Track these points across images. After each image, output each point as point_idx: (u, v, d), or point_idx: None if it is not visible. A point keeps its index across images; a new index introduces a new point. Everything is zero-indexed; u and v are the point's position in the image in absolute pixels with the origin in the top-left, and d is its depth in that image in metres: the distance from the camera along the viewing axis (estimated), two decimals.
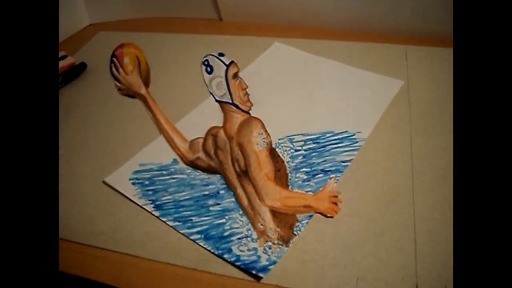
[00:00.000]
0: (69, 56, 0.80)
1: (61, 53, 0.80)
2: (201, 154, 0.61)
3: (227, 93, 0.68)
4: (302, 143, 0.60)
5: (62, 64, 0.78)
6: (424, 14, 0.77)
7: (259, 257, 0.47)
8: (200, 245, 0.49)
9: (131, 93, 0.73)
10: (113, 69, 0.73)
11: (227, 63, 0.69)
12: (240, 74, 0.69)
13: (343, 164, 0.56)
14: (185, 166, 0.60)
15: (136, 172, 0.59)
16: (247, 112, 0.66)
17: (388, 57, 0.74)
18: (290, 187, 0.54)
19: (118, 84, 0.74)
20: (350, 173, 0.55)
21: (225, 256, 0.47)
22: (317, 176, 0.55)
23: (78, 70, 0.79)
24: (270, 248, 0.48)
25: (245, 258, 0.47)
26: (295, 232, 0.49)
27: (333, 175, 0.55)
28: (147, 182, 0.57)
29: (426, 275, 0.44)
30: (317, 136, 0.61)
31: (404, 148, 0.57)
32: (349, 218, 0.50)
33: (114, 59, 0.73)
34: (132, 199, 0.55)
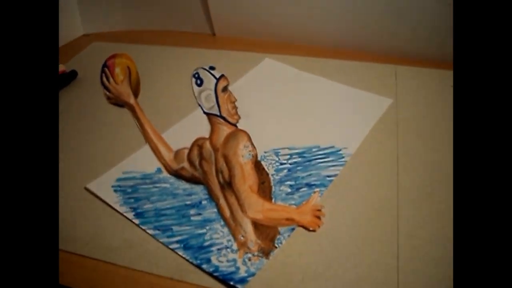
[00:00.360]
0: (60, 64, 0.80)
1: None
2: (185, 164, 0.60)
3: (216, 105, 0.68)
4: (288, 156, 0.60)
5: None
6: (414, 36, 0.78)
7: (238, 268, 0.46)
8: (179, 254, 0.48)
9: (119, 102, 0.73)
10: (104, 78, 0.74)
11: (218, 76, 0.70)
12: (229, 88, 0.70)
13: (328, 178, 0.56)
14: (168, 175, 0.59)
15: (119, 179, 0.58)
16: (234, 125, 0.66)
17: (378, 76, 0.75)
18: (273, 199, 0.54)
19: (108, 93, 0.74)
20: (334, 188, 0.55)
21: (204, 266, 0.46)
22: (301, 189, 0.55)
23: (69, 78, 0.79)
24: (249, 260, 0.47)
25: (224, 269, 0.46)
26: (276, 245, 0.48)
27: (317, 189, 0.54)
28: (129, 190, 0.56)
29: None
30: (303, 150, 0.61)
31: (390, 165, 0.57)
32: (331, 232, 0.49)
33: (106, 68, 0.73)
34: (113, 206, 0.54)
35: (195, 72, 0.71)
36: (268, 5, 0.84)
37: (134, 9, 0.94)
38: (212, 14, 0.90)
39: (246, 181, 0.56)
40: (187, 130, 0.66)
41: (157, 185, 0.57)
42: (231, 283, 0.44)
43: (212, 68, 0.71)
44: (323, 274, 0.45)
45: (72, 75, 0.80)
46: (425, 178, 0.55)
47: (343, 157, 0.59)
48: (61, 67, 0.80)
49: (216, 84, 0.69)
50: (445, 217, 0.49)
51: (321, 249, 0.48)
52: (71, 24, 0.94)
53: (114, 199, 0.55)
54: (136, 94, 0.74)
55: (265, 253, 0.47)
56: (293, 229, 0.50)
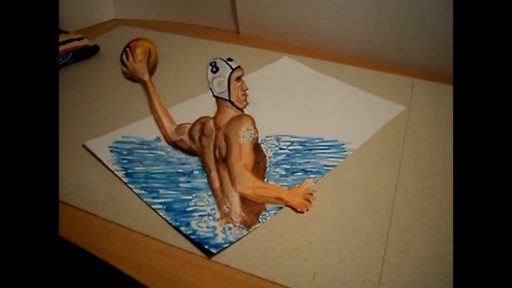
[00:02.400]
0: (85, 39, 0.83)
1: (78, 35, 0.83)
2: (185, 137, 0.60)
3: (226, 91, 0.68)
4: (289, 143, 0.59)
5: (76, 44, 0.81)
6: (434, 52, 0.77)
7: (215, 235, 0.44)
8: (160, 215, 0.47)
9: (134, 78, 0.74)
10: (123, 56, 0.75)
11: (234, 67, 0.70)
12: (244, 78, 0.70)
13: (325, 167, 0.54)
14: (166, 144, 0.58)
15: (117, 142, 0.58)
16: (241, 110, 0.65)
17: (394, 86, 0.74)
18: (266, 179, 0.52)
19: (124, 68, 0.76)
20: (331, 177, 0.53)
21: (182, 228, 0.45)
22: (296, 173, 0.53)
23: (90, 51, 0.82)
24: (229, 229, 0.45)
25: (201, 233, 0.44)
26: (260, 220, 0.47)
27: (313, 176, 0.52)
28: (125, 152, 0.56)
29: (389, 283, 0.40)
30: (305, 140, 0.59)
31: (393, 164, 0.55)
32: (320, 216, 0.47)
33: (127, 48, 0.75)
34: (106, 163, 0.54)
35: (212, 61, 0.72)
36: (292, 9, 0.85)
37: (164, 1, 0.97)
38: (238, 12, 0.91)
39: (242, 159, 0.54)
40: (193, 108, 0.66)
41: (153, 151, 0.57)
42: (206, 246, 0.43)
43: (230, 59, 0.71)
44: (303, 254, 0.43)
45: (93, 50, 0.82)
46: (426, 182, 0.52)
47: (345, 151, 0.57)
48: (85, 41, 0.82)
49: (230, 74, 0.70)
50: (440, 219, 0.47)
51: (305, 231, 0.45)
52: (103, 8, 0.98)
53: (108, 157, 0.55)
54: (151, 73, 0.75)
55: (247, 225, 0.46)
56: (280, 208, 0.48)
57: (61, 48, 0.78)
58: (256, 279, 0.40)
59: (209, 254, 0.42)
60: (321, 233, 0.45)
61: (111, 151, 0.56)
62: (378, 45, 0.81)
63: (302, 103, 0.68)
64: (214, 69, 0.72)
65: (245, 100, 0.68)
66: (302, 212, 0.48)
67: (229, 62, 0.71)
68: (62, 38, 0.81)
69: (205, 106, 0.66)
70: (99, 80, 0.75)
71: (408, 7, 0.75)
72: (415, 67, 0.79)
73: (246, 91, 0.69)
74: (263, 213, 0.47)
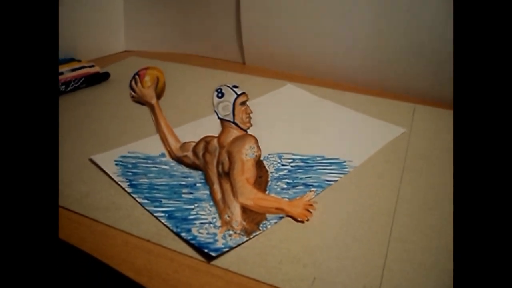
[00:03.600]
0: (96, 66, 0.87)
1: (90, 63, 0.87)
2: (189, 153, 0.61)
3: (231, 114, 0.70)
4: (291, 160, 0.60)
5: (88, 70, 0.85)
6: (436, 79, 0.79)
7: (216, 240, 0.44)
8: (161, 222, 0.47)
9: (141, 101, 0.77)
10: (132, 82, 0.79)
11: (239, 93, 0.73)
12: (248, 103, 0.72)
13: (326, 182, 0.55)
14: (170, 159, 0.60)
15: (123, 156, 0.60)
16: (245, 130, 0.67)
17: (396, 110, 0.75)
18: (267, 192, 0.53)
19: (133, 93, 0.79)
20: (332, 190, 0.54)
21: (182, 234, 0.45)
22: (297, 187, 0.54)
23: (101, 77, 0.85)
24: (230, 236, 0.45)
25: (202, 239, 0.45)
26: (260, 228, 0.47)
27: (314, 189, 0.53)
28: (130, 166, 0.58)
29: None
30: (307, 157, 0.60)
31: (393, 180, 0.56)
32: (320, 225, 0.47)
33: (137, 76, 0.79)
34: (111, 175, 0.55)
35: (218, 87, 0.75)
36: (296, 40, 0.89)
37: (174, 34, 1.02)
38: (244, 44, 0.95)
39: (244, 173, 0.55)
40: (198, 129, 0.67)
41: (157, 165, 0.58)
42: (205, 250, 0.43)
43: (235, 86, 0.74)
44: (303, 260, 0.43)
45: (104, 76, 0.86)
46: (427, 196, 0.53)
47: (346, 168, 0.58)
48: (96, 68, 0.86)
49: (235, 99, 0.72)
50: (442, 229, 0.46)
51: (305, 239, 0.46)
52: (115, 40, 1.03)
53: (113, 170, 0.56)
54: (158, 98, 0.78)
55: (248, 233, 0.46)
56: (281, 217, 0.48)
57: (73, 73, 0.82)
58: (255, 282, 0.40)
59: (209, 258, 0.42)
60: (321, 241, 0.45)
61: (116, 164, 0.58)
62: (379, 73, 0.84)
63: (304, 125, 0.70)
64: (219, 95, 0.74)
65: (249, 122, 0.69)
66: (303, 222, 0.48)
67: (235, 89, 0.73)
68: (74, 65, 0.85)
69: (210, 127, 0.67)
70: (108, 103, 0.78)
71: (408, 36, 0.78)
72: (417, 93, 0.81)
73: (250, 114, 0.71)
74: (264, 222, 0.48)
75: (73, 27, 0.96)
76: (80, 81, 0.81)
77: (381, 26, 0.81)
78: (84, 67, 0.85)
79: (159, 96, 0.78)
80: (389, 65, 0.83)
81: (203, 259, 0.43)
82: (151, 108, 0.74)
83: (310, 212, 0.49)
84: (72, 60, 0.89)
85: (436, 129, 0.69)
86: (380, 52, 0.83)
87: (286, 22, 0.90)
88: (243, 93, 0.73)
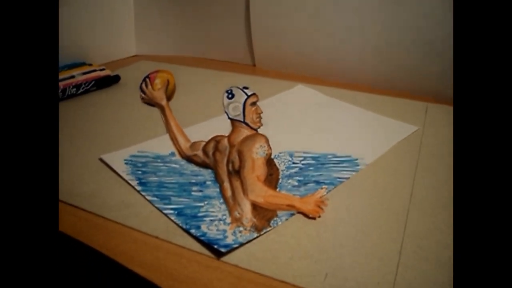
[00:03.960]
0: (107, 69, 0.87)
1: (100, 67, 0.88)
2: (199, 153, 0.60)
3: (241, 114, 0.69)
4: (302, 158, 0.59)
5: (98, 73, 0.85)
6: (447, 77, 0.78)
7: (225, 237, 0.44)
8: (170, 219, 0.47)
9: (151, 103, 0.77)
10: (143, 84, 0.79)
11: (249, 94, 0.72)
12: (259, 103, 0.72)
13: (338, 179, 0.54)
14: (180, 158, 0.59)
15: (133, 156, 0.60)
16: (255, 130, 0.66)
17: (409, 109, 0.74)
18: (278, 189, 0.52)
19: (143, 95, 0.79)
20: (344, 187, 0.53)
21: (192, 231, 0.45)
22: (308, 184, 0.53)
23: (112, 80, 0.86)
24: (240, 232, 0.44)
25: (211, 235, 0.44)
26: (271, 225, 0.46)
27: (325, 186, 0.52)
28: (139, 165, 0.57)
29: (405, 284, 0.38)
30: (318, 155, 0.59)
31: (407, 177, 0.54)
32: (332, 222, 0.46)
33: (147, 78, 0.79)
34: (120, 174, 0.55)
35: (228, 89, 0.74)
36: (306, 42, 0.89)
37: (184, 38, 1.03)
38: (254, 46, 0.95)
39: (255, 171, 0.55)
40: (209, 128, 0.67)
41: (167, 164, 0.58)
42: (215, 246, 0.42)
43: (245, 87, 0.74)
44: (314, 256, 0.42)
45: (115, 79, 0.86)
46: (442, 193, 0.51)
47: (358, 165, 0.57)
48: (107, 72, 0.87)
49: (246, 99, 0.71)
50: None
51: (317, 235, 0.45)
52: (125, 44, 1.04)
53: (123, 169, 0.56)
54: (168, 100, 0.78)
55: (258, 229, 0.45)
56: (292, 214, 0.48)
57: (84, 77, 0.83)
58: (265, 278, 0.39)
59: (218, 254, 0.42)
60: (333, 238, 0.44)
61: (126, 163, 0.58)
62: (391, 73, 0.83)
63: (315, 124, 0.69)
64: (229, 96, 0.74)
65: (260, 121, 0.69)
66: (314, 218, 0.47)
67: (245, 90, 0.73)
68: (85, 69, 0.86)
69: (220, 127, 0.67)
70: (118, 105, 0.78)
71: (419, 34, 0.77)
72: (429, 92, 0.80)
73: (261, 114, 0.70)
74: (275, 218, 0.47)
75: (84, 32, 0.97)
76: (91, 84, 0.82)
77: (391, 25, 0.80)
78: (95, 70, 0.86)
79: (169, 98, 0.78)
80: (401, 64, 0.82)
81: (212, 256, 0.42)
82: (161, 109, 0.74)
83: (322, 208, 0.48)
84: (83, 64, 0.90)
85: (450, 127, 0.67)
86: (391, 51, 0.82)
87: (296, 24, 0.90)
88: (254, 94, 0.72)
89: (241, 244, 0.43)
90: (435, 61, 0.78)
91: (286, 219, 0.47)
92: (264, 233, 0.45)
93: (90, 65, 0.90)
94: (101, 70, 0.86)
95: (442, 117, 0.71)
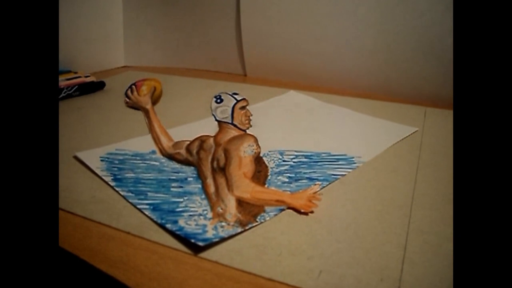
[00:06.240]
0: (92, 76, 0.84)
1: (86, 74, 0.85)
2: (182, 151, 0.56)
3: (230, 117, 0.65)
4: (293, 156, 0.54)
5: (82, 79, 0.82)
6: (446, 81, 0.75)
7: (205, 231, 0.38)
8: (145, 214, 0.41)
9: (136, 107, 0.73)
10: (128, 91, 0.75)
11: (239, 99, 0.68)
12: (249, 107, 0.68)
13: (333, 176, 0.49)
14: (161, 156, 0.55)
15: (110, 153, 0.55)
16: (244, 131, 0.62)
17: (407, 113, 0.70)
18: (266, 185, 0.47)
19: (127, 99, 0.75)
20: (340, 183, 0.48)
21: (167, 225, 0.39)
22: (300, 180, 0.48)
23: (96, 86, 0.82)
24: (222, 227, 0.39)
25: (189, 230, 0.39)
26: (257, 220, 0.41)
27: (319, 183, 0.47)
28: (116, 162, 0.52)
29: (412, 281, 0.33)
30: (311, 154, 0.55)
31: (408, 174, 0.50)
32: (327, 217, 0.41)
33: (133, 85, 0.76)
34: (94, 170, 0.50)
35: (217, 94, 0.71)
36: (298, 48, 0.86)
37: (174, 49, 1.00)
38: (245, 55, 0.92)
39: (242, 168, 0.50)
40: (195, 129, 0.63)
41: (146, 162, 0.53)
42: (192, 240, 0.37)
43: (235, 93, 0.70)
44: (306, 252, 0.36)
45: (99, 85, 0.83)
46: (446, 189, 0.46)
47: (354, 163, 0.52)
48: (92, 78, 0.83)
49: (235, 104, 0.68)
50: None
51: (309, 231, 0.39)
52: (114, 55, 1.01)
53: (97, 165, 0.51)
54: (154, 104, 0.74)
55: (243, 224, 0.40)
56: (281, 209, 0.42)
57: (67, 82, 0.79)
58: (250, 276, 0.34)
59: (196, 250, 0.36)
60: (328, 234, 0.39)
61: (102, 160, 0.53)
62: (387, 77, 0.80)
63: (308, 126, 0.65)
64: (218, 101, 0.70)
65: (249, 123, 0.65)
66: (306, 214, 0.42)
67: (234, 96, 0.69)
68: (70, 75, 0.83)
69: (207, 128, 0.63)
70: (101, 109, 0.74)
71: (415, 37, 0.75)
72: (427, 96, 0.76)
73: (250, 117, 0.66)
74: (262, 214, 0.42)
75: (73, 42, 0.94)
76: (74, 89, 0.78)
77: (386, 28, 0.78)
78: (79, 77, 0.82)
79: (154, 102, 0.75)
80: (397, 69, 0.79)
81: (189, 252, 0.36)
82: (146, 112, 0.70)
83: (315, 203, 0.43)
84: (69, 71, 0.87)
85: (450, 128, 0.63)
86: (387, 56, 0.79)
87: (287, 31, 0.87)
88: (243, 98, 0.69)
89: (223, 239, 0.37)
90: (434, 63, 0.75)
91: (275, 215, 0.42)
92: (250, 228, 0.39)
93: (76, 72, 0.87)
94: (86, 76, 0.83)
95: (442, 120, 0.67)
